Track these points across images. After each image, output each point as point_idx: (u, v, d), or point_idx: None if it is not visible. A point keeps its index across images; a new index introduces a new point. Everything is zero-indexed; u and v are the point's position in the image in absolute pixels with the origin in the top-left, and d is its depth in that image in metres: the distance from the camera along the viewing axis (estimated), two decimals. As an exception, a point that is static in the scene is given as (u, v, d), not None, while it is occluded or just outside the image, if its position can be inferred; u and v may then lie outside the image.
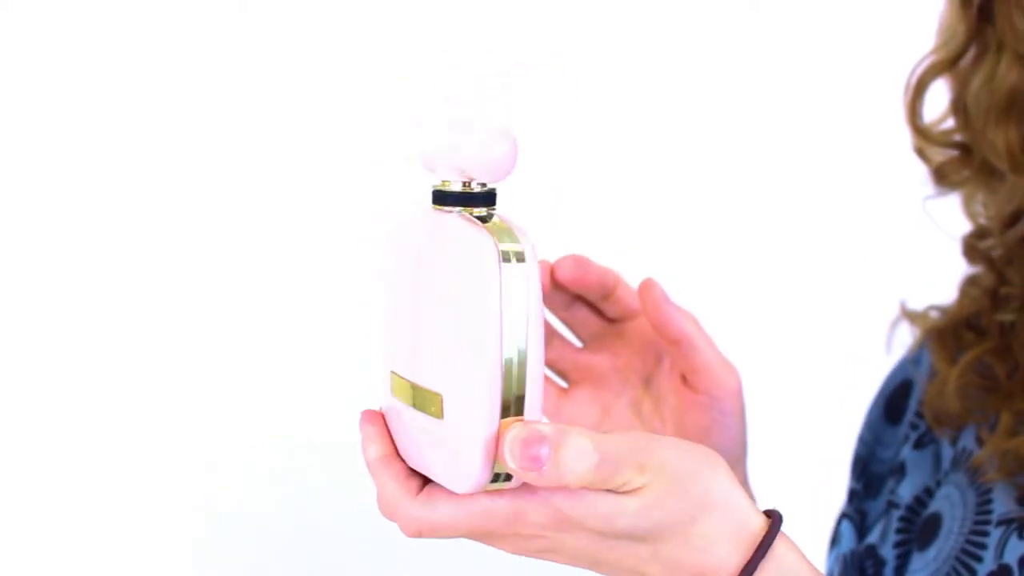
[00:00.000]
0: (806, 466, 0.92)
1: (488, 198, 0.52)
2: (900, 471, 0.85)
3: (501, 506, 0.53)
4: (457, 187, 0.52)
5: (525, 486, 0.53)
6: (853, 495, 0.90)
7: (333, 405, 1.27)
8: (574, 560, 0.56)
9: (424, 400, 0.52)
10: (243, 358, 1.27)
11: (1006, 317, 0.81)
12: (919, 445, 0.85)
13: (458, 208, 0.52)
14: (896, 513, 0.84)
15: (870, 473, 0.89)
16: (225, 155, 1.26)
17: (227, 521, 1.27)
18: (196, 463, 1.26)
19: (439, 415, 0.51)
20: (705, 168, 1.30)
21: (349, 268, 1.28)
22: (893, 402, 0.88)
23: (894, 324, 0.88)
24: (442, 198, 0.53)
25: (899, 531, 0.83)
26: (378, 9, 1.26)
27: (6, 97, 1.21)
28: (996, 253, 0.82)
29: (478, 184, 0.52)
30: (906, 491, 0.84)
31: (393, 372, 0.53)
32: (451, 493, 0.53)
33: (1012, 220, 0.81)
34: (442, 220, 0.52)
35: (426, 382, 0.51)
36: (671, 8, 1.30)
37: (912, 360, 0.89)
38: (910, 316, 0.87)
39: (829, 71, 1.30)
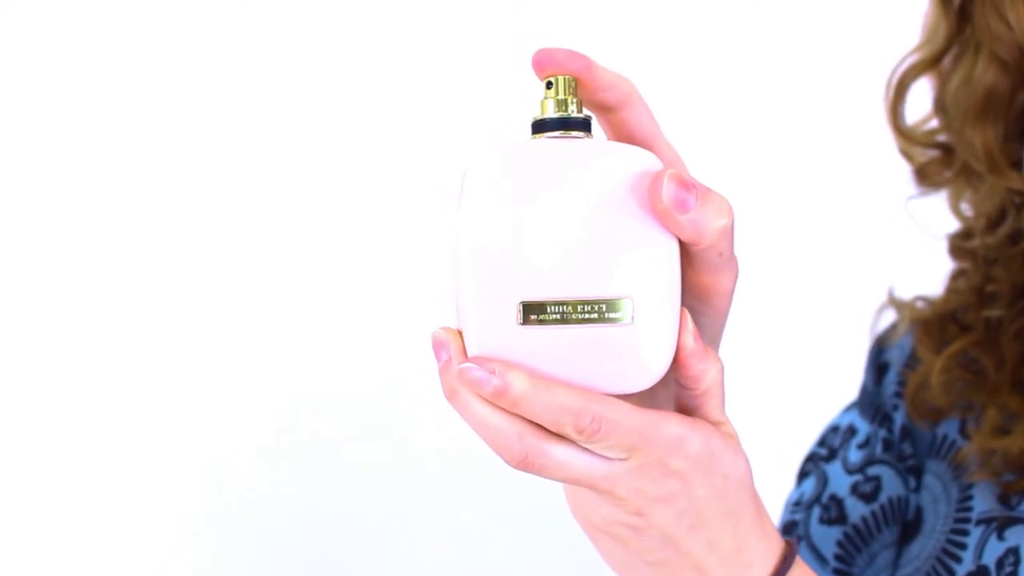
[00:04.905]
0: (790, 461, 0.92)
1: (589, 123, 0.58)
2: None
3: (671, 424, 0.55)
4: (580, 114, 0.57)
5: (688, 417, 0.56)
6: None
7: (334, 403, 1.27)
8: (674, 524, 0.56)
9: (601, 310, 0.55)
10: (244, 358, 1.27)
11: (992, 313, 0.81)
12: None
13: (578, 133, 0.57)
14: None
15: None
16: (224, 154, 1.26)
17: (227, 520, 1.28)
18: (196, 462, 1.27)
19: (625, 319, 0.54)
20: (704, 164, 1.30)
21: (349, 267, 1.28)
22: None
23: (880, 311, 0.89)
24: (564, 124, 0.57)
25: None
26: (380, 9, 1.27)
27: (6, 97, 1.22)
28: (981, 252, 0.82)
29: (582, 112, 0.58)
30: None
31: (531, 301, 0.55)
32: (627, 402, 0.55)
33: (996, 220, 0.81)
34: (577, 145, 0.56)
35: (605, 292, 0.55)
36: (671, 6, 1.30)
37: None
38: (897, 305, 0.87)
39: (829, 68, 1.30)
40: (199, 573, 1.27)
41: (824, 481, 0.87)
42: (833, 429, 0.90)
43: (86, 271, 1.24)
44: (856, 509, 0.85)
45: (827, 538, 0.85)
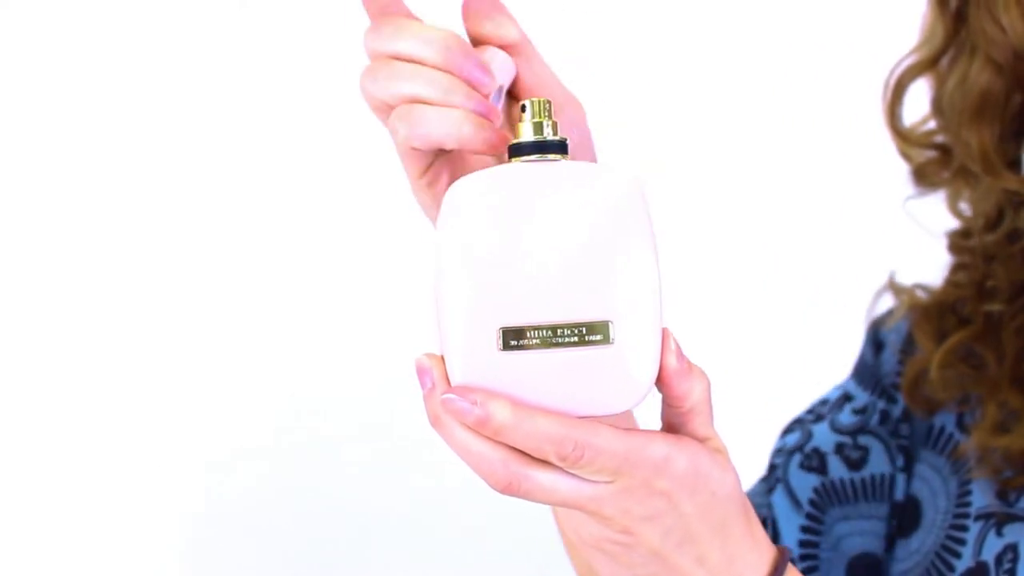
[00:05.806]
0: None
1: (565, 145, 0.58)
2: None
3: (656, 445, 0.55)
4: (556, 137, 0.58)
5: (674, 435, 0.57)
6: None
7: (334, 403, 1.27)
8: (661, 541, 0.57)
9: (582, 333, 0.55)
10: (244, 358, 1.27)
11: (993, 307, 0.81)
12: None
13: (555, 156, 0.57)
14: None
15: None
16: (224, 154, 1.26)
17: (227, 520, 1.28)
18: (196, 462, 1.27)
19: (606, 341, 0.55)
20: (703, 165, 1.30)
21: (349, 268, 1.28)
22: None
23: (879, 294, 0.89)
24: (540, 148, 0.57)
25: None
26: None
27: (6, 97, 1.22)
28: (980, 251, 0.82)
29: (558, 135, 0.58)
30: None
31: (511, 327, 0.55)
32: (610, 424, 0.55)
33: (994, 220, 0.81)
34: (554, 168, 0.57)
35: (586, 315, 0.55)
36: (671, 6, 1.31)
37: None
38: (896, 289, 0.87)
39: (829, 68, 1.30)
40: (199, 573, 1.27)
41: (808, 435, 0.87)
42: (823, 402, 0.90)
43: (85, 272, 1.24)
44: (837, 469, 0.85)
45: (804, 484, 0.86)
